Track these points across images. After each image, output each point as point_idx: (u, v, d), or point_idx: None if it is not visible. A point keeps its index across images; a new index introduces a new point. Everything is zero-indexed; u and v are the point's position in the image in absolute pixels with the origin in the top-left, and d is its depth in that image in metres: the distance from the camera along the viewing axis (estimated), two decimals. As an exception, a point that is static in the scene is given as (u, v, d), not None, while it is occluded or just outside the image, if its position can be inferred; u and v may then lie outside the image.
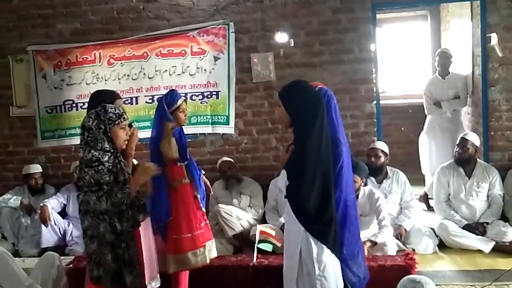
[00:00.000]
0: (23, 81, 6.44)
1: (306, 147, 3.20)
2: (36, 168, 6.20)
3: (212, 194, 5.69)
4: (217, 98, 6.12)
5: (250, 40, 6.05)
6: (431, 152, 6.68)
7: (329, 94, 3.65)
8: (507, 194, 5.66)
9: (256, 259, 4.61)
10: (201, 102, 6.14)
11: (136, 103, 6.24)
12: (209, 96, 6.13)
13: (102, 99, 3.73)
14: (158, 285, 4.22)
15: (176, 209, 4.24)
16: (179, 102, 4.27)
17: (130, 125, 3.38)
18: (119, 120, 3.26)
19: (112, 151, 3.25)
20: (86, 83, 6.22)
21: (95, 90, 4.38)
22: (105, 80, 6.21)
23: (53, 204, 5.87)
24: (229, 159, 5.95)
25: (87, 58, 6.22)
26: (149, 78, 6.18)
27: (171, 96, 4.29)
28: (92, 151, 3.20)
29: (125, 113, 3.33)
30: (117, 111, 3.29)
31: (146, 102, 6.18)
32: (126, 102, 6.12)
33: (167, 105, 4.24)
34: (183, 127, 4.40)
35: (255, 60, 6.04)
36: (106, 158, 3.21)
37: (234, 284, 4.58)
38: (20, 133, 6.57)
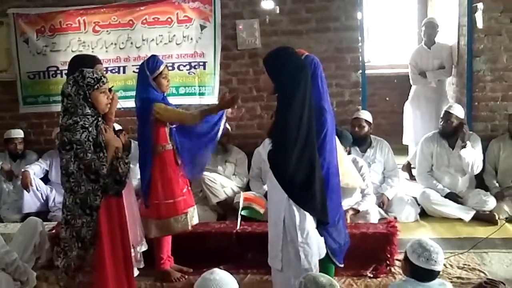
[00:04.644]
0: (3, 45, 6.29)
1: (288, 114, 3.17)
2: (17, 133, 6.11)
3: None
4: (204, 69, 6.05)
5: (236, 6, 5.96)
6: (415, 122, 6.70)
7: (315, 62, 3.64)
8: (488, 164, 5.72)
9: (240, 226, 4.64)
10: (188, 73, 6.07)
11: (124, 72, 6.15)
12: (196, 67, 6.05)
13: (81, 64, 3.68)
14: (145, 248, 4.30)
15: (158, 174, 4.24)
16: (161, 67, 4.23)
17: (110, 90, 3.34)
18: (98, 85, 3.23)
19: (94, 115, 3.24)
20: (72, 50, 6.09)
21: (74, 55, 4.32)
22: (92, 48, 6.09)
23: (35, 169, 5.83)
24: (228, 126, 5.83)
25: (71, 24, 6.09)
26: (137, 47, 6.08)
27: (153, 62, 4.24)
28: (72, 117, 3.18)
29: (104, 77, 3.29)
30: (95, 75, 3.25)
31: (134, 71, 6.04)
32: (113, 71, 6.05)
33: (149, 71, 4.19)
34: (167, 95, 4.37)
35: (240, 27, 5.95)
36: (86, 122, 3.19)
37: (217, 250, 4.60)
38: (1, 98, 6.44)
